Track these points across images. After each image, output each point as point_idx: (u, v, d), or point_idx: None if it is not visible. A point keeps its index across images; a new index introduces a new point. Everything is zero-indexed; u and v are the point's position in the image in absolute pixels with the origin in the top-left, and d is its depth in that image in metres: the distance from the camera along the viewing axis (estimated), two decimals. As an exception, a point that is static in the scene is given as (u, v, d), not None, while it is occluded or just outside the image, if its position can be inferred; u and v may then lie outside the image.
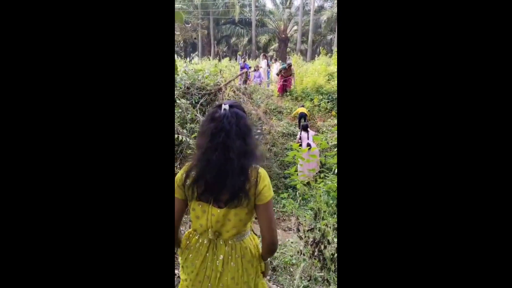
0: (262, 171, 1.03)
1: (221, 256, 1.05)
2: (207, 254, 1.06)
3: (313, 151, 4.27)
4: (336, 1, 18.19)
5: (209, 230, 1.04)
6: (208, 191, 0.99)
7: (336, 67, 9.15)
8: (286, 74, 8.23)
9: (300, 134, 5.13)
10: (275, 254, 2.68)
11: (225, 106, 1.02)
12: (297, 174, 2.29)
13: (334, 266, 1.60)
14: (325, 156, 4.65)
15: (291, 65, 8.45)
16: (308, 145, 4.85)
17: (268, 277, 2.37)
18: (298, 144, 4.71)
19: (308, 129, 5.15)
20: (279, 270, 2.45)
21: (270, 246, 1.05)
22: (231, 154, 0.96)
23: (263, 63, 9.36)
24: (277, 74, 8.58)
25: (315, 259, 1.84)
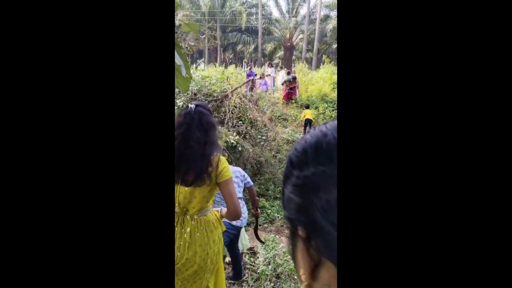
0: (222, 158, 1.28)
1: (188, 229, 1.28)
2: (176, 229, 1.28)
3: None
4: (342, 11, 18.26)
5: (177, 205, 1.27)
6: (175, 172, 1.20)
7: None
8: (291, 85, 8.32)
9: None
10: (279, 261, 2.69)
11: (191, 106, 1.27)
12: None
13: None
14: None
15: (295, 78, 8.55)
16: None
17: (272, 284, 2.37)
18: None
19: None
20: (283, 277, 2.45)
21: (233, 214, 1.30)
22: (191, 142, 1.19)
23: (270, 70, 9.45)
24: (282, 84, 8.67)
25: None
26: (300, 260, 0.31)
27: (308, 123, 7.04)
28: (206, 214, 1.33)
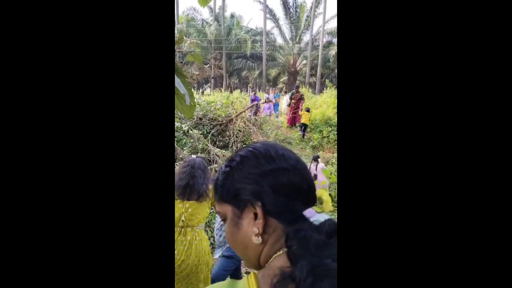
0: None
1: (189, 237, 1.74)
2: (178, 238, 1.72)
3: (323, 184, 4.25)
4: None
5: (183, 216, 1.74)
6: (182, 193, 1.76)
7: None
8: (296, 98, 8.35)
9: (310, 165, 5.16)
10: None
11: (193, 156, 1.96)
12: None
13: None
14: (334, 189, 4.61)
15: (298, 87, 8.65)
16: (315, 177, 4.85)
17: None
18: None
19: (318, 159, 5.18)
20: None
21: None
22: (196, 174, 1.79)
23: (271, 96, 9.62)
24: (288, 105, 8.76)
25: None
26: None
27: (303, 127, 7.15)
28: (202, 228, 1.86)
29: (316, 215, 0.47)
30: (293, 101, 8.41)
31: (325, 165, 5.35)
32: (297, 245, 0.44)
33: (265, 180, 0.49)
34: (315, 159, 5.17)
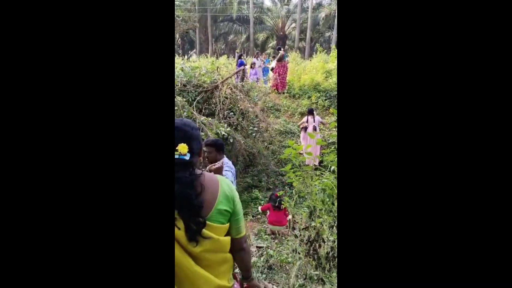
0: None
1: None
2: None
3: (309, 147, 4.33)
4: (334, -2, 18.13)
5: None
6: None
7: (334, 64, 9.11)
8: (279, 59, 8.11)
9: (307, 117, 5.30)
10: (272, 252, 2.68)
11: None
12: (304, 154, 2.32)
13: (329, 265, 1.59)
14: (322, 154, 4.64)
15: (280, 48, 8.46)
16: (315, 128, 5.07)
17: (264, 275, 2.35)
18: (303, 127, 4.96)
19: (314, 112, 5.37)
20: (275, 268, 2.43)
21: None
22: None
23: (257, 61, 9.24)
24: (271, 69, 8.53)
25: (310, 257, 1.82)
26: None
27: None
28: None
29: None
30: (277, 63, 8.14)
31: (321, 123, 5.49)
32: None
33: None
34: (311, 112, 5.31)
